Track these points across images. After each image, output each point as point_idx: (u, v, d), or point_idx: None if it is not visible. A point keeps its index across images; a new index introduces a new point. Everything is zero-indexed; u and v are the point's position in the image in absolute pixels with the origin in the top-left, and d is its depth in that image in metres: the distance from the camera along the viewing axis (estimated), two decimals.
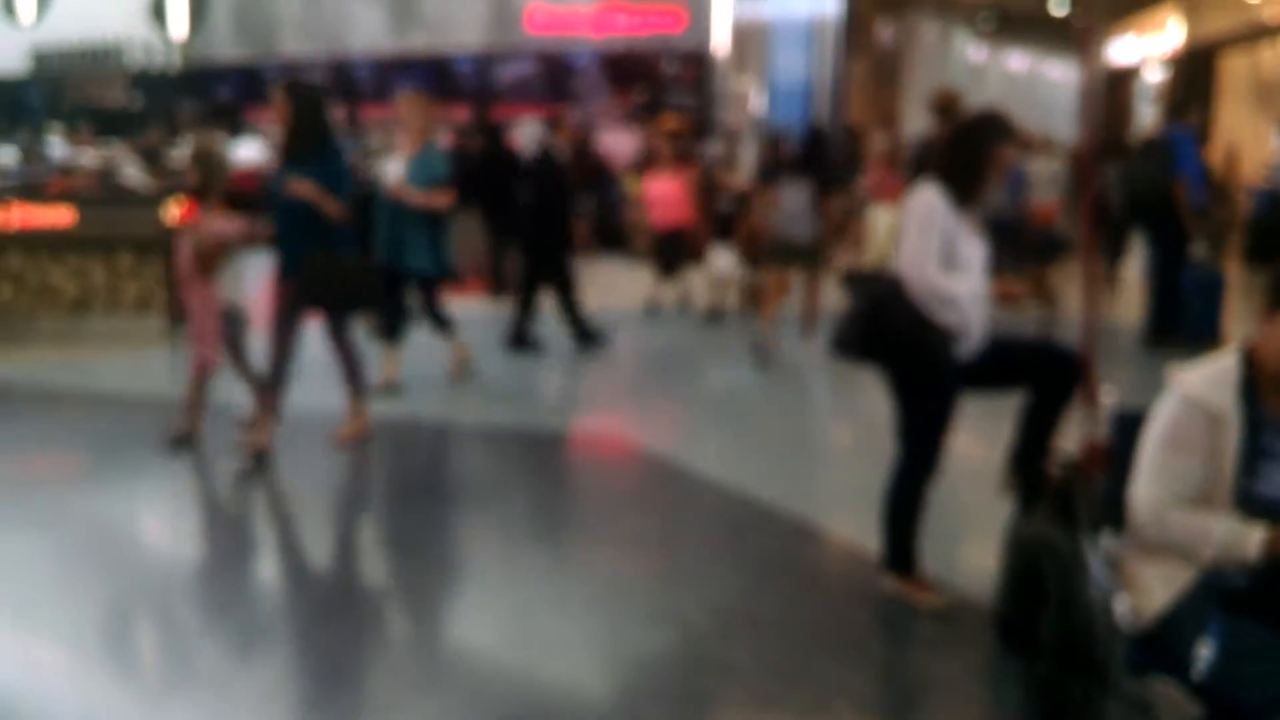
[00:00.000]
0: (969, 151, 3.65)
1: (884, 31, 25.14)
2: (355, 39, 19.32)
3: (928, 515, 3.86)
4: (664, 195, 9.49)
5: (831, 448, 6.20)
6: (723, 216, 9.26)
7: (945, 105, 7.53)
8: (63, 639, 3.64)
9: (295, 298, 5.28)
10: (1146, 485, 2.51)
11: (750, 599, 3.92)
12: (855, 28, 20.60)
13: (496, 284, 10.56)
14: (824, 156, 8.85)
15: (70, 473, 5.53)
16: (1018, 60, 30.11)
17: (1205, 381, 2.49)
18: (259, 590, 4.14)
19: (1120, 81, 21.07)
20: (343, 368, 5.56)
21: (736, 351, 8.08)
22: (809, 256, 7.87)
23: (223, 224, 5.44)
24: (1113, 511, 2.68)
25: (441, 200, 6.58)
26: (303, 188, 5.08)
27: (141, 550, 4.53)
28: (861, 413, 6.11)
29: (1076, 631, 2.52)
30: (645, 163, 11.38)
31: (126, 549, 4.50)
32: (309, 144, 5.23)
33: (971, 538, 4.40)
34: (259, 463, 5.18)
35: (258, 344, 5.56)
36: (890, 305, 3.59)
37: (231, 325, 5.52)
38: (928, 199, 3.65)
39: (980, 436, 4.62)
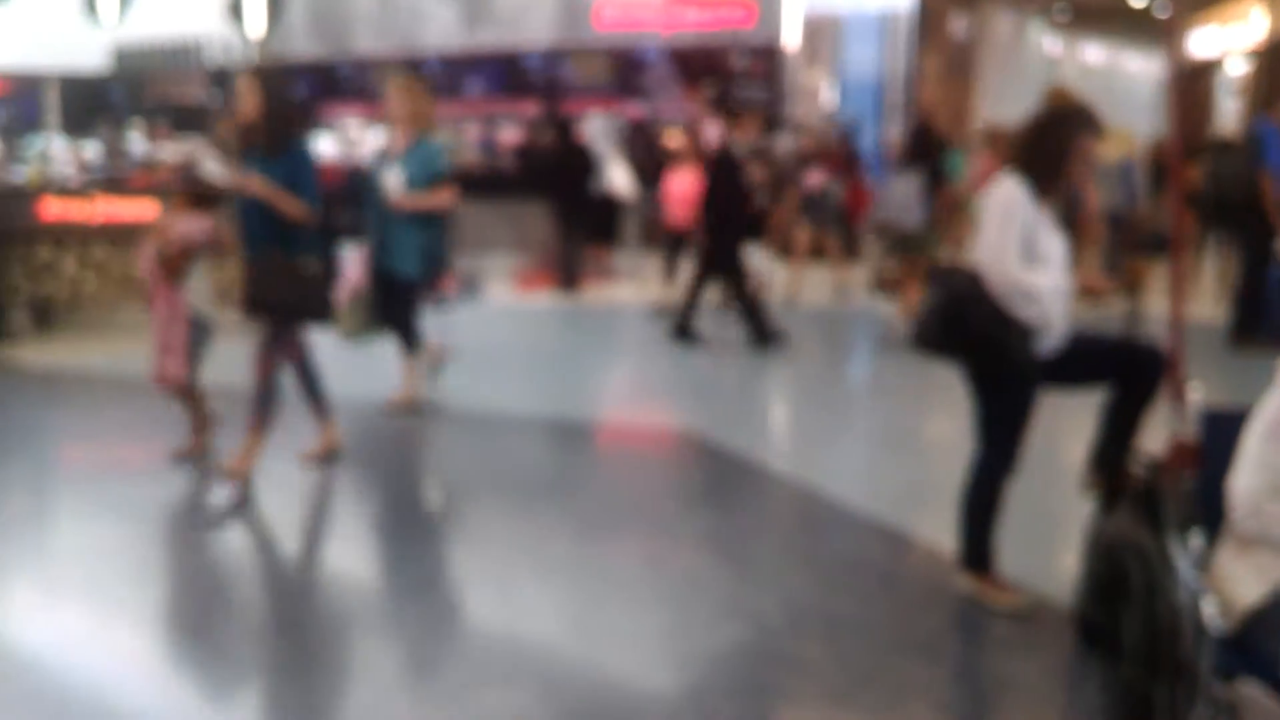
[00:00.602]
0: (1051, 143, 3.58)
1: (957, 24, 24.78)
2: (428, 36, 19.53)
3: (1007, 514, 3.81)
4: (682, 193, 9.31)
5: (919, 443, 6.12)
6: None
7: (1061, 100, 7.59)
8: (140, 620, 3.74)
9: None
10: (1247, 477, 2.48)
11: (825, 596, 3.90)
12: (927, 21, 20.33)
13: (566, 278, 10.64)
14: (931, 148, 8.97)
15: (146, 459, 5.68)
16: (1094, 52, 29.47)
17: None
18: (333, 577, 4.21)
19: (1201, 74, 20.52)
20: (255, 390, 4.87)
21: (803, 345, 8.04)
22: (919, 244, 8.18)
23: (188, 225, 5.10)
24: (1201, 511, 2.62)
25: (443, 200, 6.10)
26: (255, 184, 4.69)
27: (213, 535, 4.62)
28: (950, 407, 6.03)
29: (1161, 633, 2.46)
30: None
31: (200, 534, 4.60)
32: (275, 138, 4.81)
33: (1052, 537, 4.33)
34: (239, 492, 4.79)
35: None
36: (969, 300, 3.54)
37: (197, 336, 5.20)
38: (1008, 191, 3.59)
39: (1062, 433, 4.54)
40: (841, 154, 11.48)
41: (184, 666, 3.47)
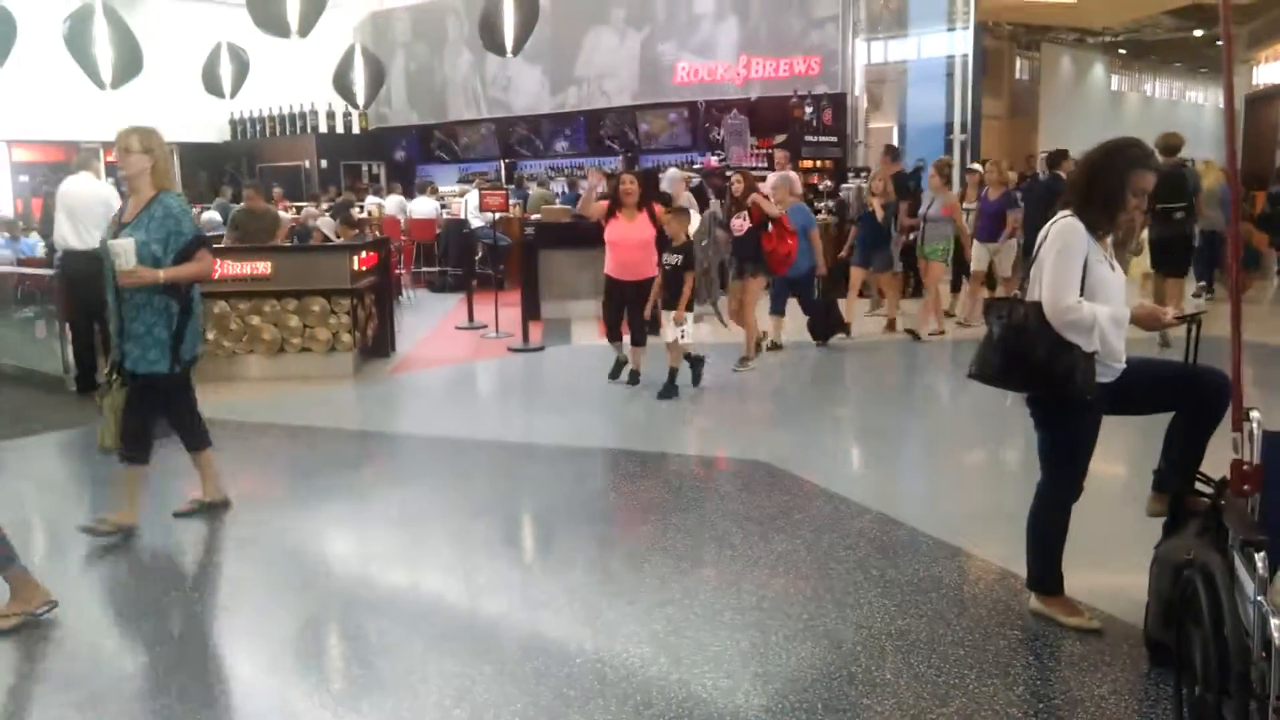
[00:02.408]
0: (1107, 179, 3.55)
1: (1019, 65, 24.52)
2: (517, 99, 19.98)
3: (1076, 536, 3.75)
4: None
5: (985, 467, 6.04)
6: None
7: (1173, 144, 8.92)
8: (261, 646, 3.86)
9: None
10: None
11: (899, 618, 3.86)
12: (988, 63, 20.17)
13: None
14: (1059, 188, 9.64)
15: (268, 494, 5.87)
16: (1157, 86, 28.85)
17: None
18: (440, 601, 4.29)
19: (1267, 104, 19.95)
20: None
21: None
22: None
23: None
24: (1265, 532, 2.56)
25: (193, 271, 4.83)
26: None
27: (327, 566, 4.75)
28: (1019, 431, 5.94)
29: (1229, 653, 2.41)
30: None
31: (313, 565, 4.74)
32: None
33: (1120, 559, 4.23)
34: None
35: None
36: (1030, 332, 3.51)
37: None
38: (1067, 226, 3.57)
39: (1127, 456, 4.44)
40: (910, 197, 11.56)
41: (298, 684, 3.58)
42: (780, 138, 15.72)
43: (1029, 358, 3.51)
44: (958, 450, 6.48)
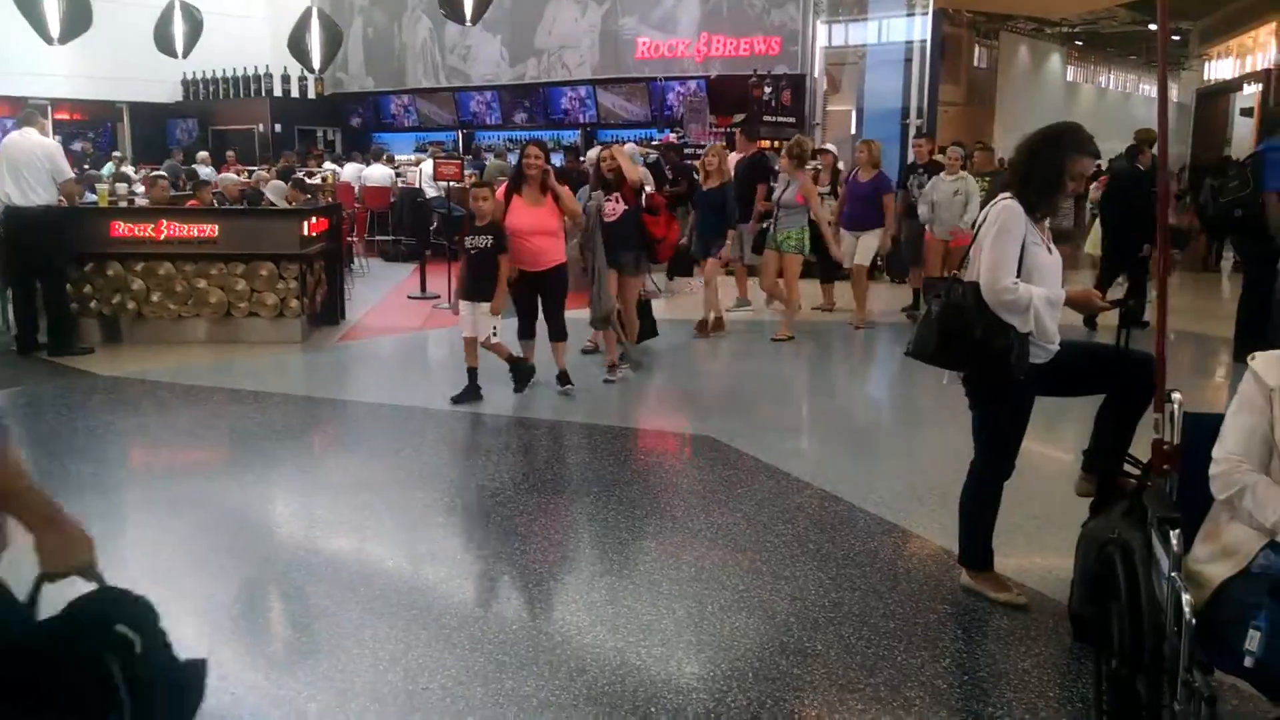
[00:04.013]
0: (1045, 163, 3.60)
1: (977, 53, 24.69)
2: (475, 69, 19.77)
3: (1007, 514, 3.82)
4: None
5: (928, 446, 6.12)
6: None
7: (1147, 138, 9.42)
8: (197, 608, 3.83)
9: None
10: (1220, 442, 2.60)
11: (832, 591, 3.92)
12: (947, 49, 20.29)
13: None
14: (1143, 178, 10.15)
15: (202, 459, 5.81)
16: (1112, 78, 29.20)
17: (1268, 360, 2.60)
18: (380, 566, 4.27)
19: (1216, 99, 20.29)
20: None
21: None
22: (1069, 236, 11.18)
23: None
24: (1183, 510, 2.63)
25: None
26: None
27: (268, 530, 4.71)
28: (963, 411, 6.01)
29: (1142, 627, 2.47)
30: None
31: (255, 529, 4.70)
32: None
33: (1049, 536, 4.33)
34: None
35: None
36: (966, 311, 3.56)
37: None
38: (1006, 208, 3.61)
39: (1059, 437, 4.53)
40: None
41: (231, 643, 3.56)
42: (739, 116, 15.71)
43: (965, 337, 3.56)
44: (900, 429, 6.56)
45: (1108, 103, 28.92)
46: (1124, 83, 29.17)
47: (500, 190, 6.89)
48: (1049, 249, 3.69)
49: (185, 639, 3.57)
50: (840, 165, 12.26)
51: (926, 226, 9.50)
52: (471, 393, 6.76)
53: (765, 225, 9.37)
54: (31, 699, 1.65)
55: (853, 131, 18.43)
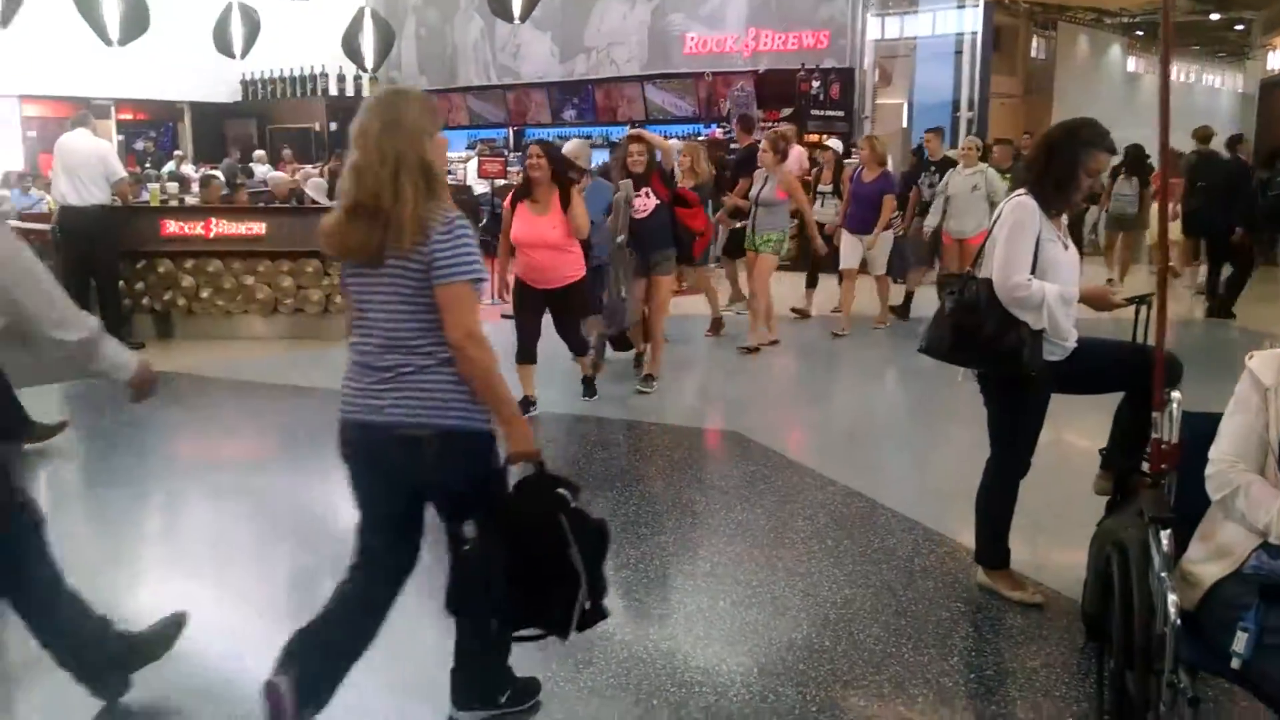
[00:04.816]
0: (1061, 158, 3.56)
1: (1035, 43, 24.27)
2: (526, 66, 19.91)
3: (1027, 513, 3.80)
4: None
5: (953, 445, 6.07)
6: None
7: (1205, 134, 9.84)
8: (245, 593, 3.95)
9: None
10: (1216, 443, 2.59)
11: (845, 587, 3.92)
12: (1004, 40, 19.99)
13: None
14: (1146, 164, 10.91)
15: (253, 452, 5.96)
16: (1173, 68, 28.49)
17: (1265, 358, 2.56)
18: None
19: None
20: None
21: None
22: (1134, 224, 11.20)
23: None
24: (1180, 508, 2.61)
25: None
26: None
27: (311, 520, 4.83)
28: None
29: (1133, 625, 2.45)
30: None
31: (299, 519, 4.82)
32: None
33: (1068, 534, 4.28)
34: None
35: None
36: (979, 308, 3.54)
37: None
38: (1020, 204, 3.59)
39: (1079, 434, 4.47)
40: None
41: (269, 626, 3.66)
42: (786, 111, 15.65)
43: (977, 333, 3.54)
44: (924, 426, 6.50)
45: (1170, 91, 28.17)
46: (1186, 73, 28.45)
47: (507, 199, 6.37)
48: (1065, 245, 3.66)
49: (233, 621, 3.70)
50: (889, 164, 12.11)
51: (941, 224, 8.96)
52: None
53: (740, 225, 8.69)
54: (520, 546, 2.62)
55: (904, 125, 18.25)
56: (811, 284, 9.85)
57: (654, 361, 7.12)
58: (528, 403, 6.13)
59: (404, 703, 3.18)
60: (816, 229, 8.65)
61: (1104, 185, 10.70)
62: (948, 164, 9.43)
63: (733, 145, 15.12)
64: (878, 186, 8.82)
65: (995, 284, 3.52)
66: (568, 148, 7.14)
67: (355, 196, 2.54)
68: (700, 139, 15.74)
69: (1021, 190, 3.63)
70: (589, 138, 18.13)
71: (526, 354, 6.27)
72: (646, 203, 6.78)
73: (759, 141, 9.08)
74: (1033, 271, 3.51)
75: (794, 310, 9.73)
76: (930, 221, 9.12)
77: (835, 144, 10.77)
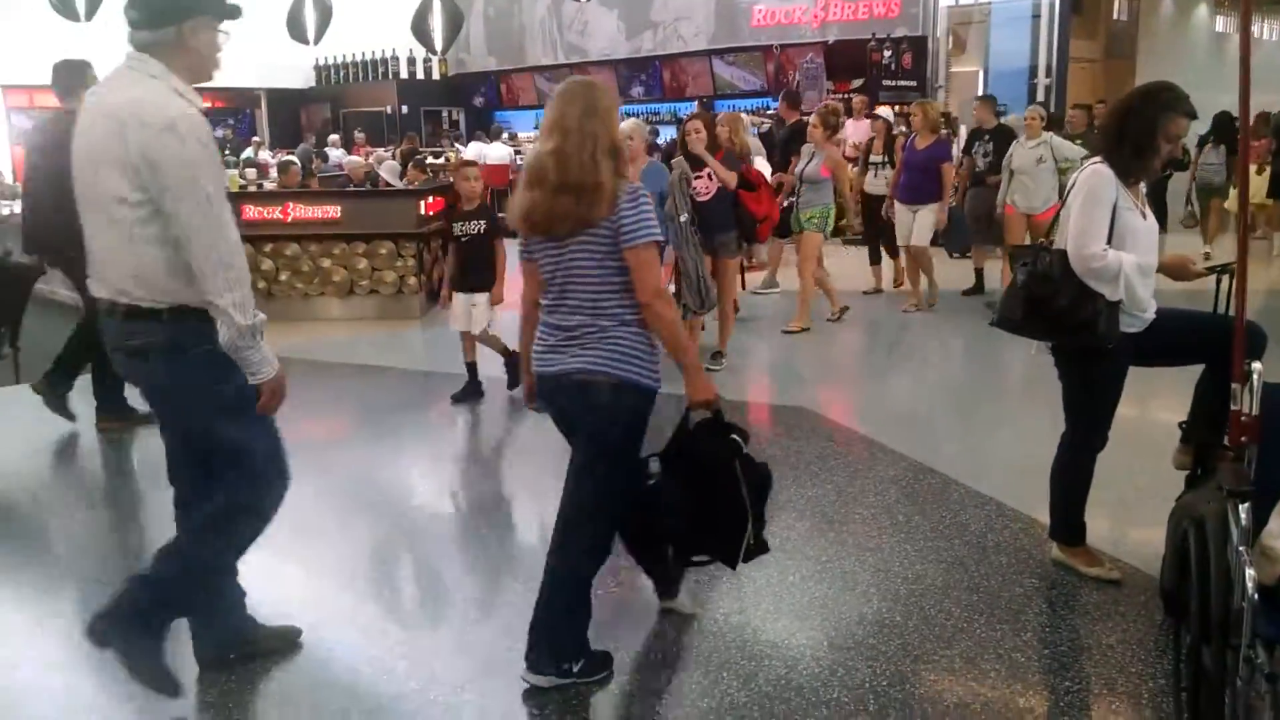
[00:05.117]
0: (1139, 124, 3.47)
1: (1117, 5, 23.52)
2: (593, 44, 19.92)
3: (1108, 488, 3.74)
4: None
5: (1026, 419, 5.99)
6: None
7: None
8: (323, 566, 4.08)
9: None
10: None
11: (917, 563, 3.91)
12: (1084, 2, 19.42)
13: None
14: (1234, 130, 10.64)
15: (332, 431, 6.12)
16: (1265, 27, 27.39)
17: None
18: (477, 532, 4.46)
19: None
20: None
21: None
22: (1221, 192, 11.04)
23: None
24: (1260, 482, 2.55)
25: None
26: None
27: (386, 496, 4.95)
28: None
29: (1210, 599, 2.41)
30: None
31: (374, 495, 4.95)
32: None
33: (1146, 510, 4.20)
34: None
35: None
36: (1053, 280, 3.48)
37: None
38: (1095, 172, 3.51)
39: (1158, 407, 4.38)
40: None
41: (360, 601, 3.78)
42: (857, 82, 15.43)
43: (1051, 305, 3.49)
44: (996, 402, 6.40)
45: (1261, 53, 27.15)
46: (1278, 32, 27.34)
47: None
48: (1143, 213, 3.58)
49: (310, 593, 3.83)
50: (957, 130, 11.84)
51: (1006, 199, 8.43)
52: (472, 390, 6.39)
53: (787, 204, 8.27)
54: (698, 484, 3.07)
55: (979, 93, 17.86)
56: (875, 260, 9.66)
57: (723, 339, 7.12)
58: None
59: (480, 664, 3.25)
60: (854, 205, 8.79)
61: (1186, 151, 10.30)
62: (1003, 133, 8.99)
63: (803, 119, 15.02)
64: (930, 153, 8.53)
65: (1070, 254, 3.46)
66: (621, 127, 6.96)
67: (559, 177, 2.86)
68: (769, 112, 15.62)
69: (1097, 158, 3.56)
70: (654, 115, 18.15)
71: None
72: (709, 185, 6.66)
73: (807, 117, 8.82)
74: (1109, 241, 3.44)
75: (865, 293, 9.45)
76: (1001, 196, 8.68)
77: (886, 112, 10.34)
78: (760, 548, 3.13)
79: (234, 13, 2.99)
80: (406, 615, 3.75)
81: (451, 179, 11.98)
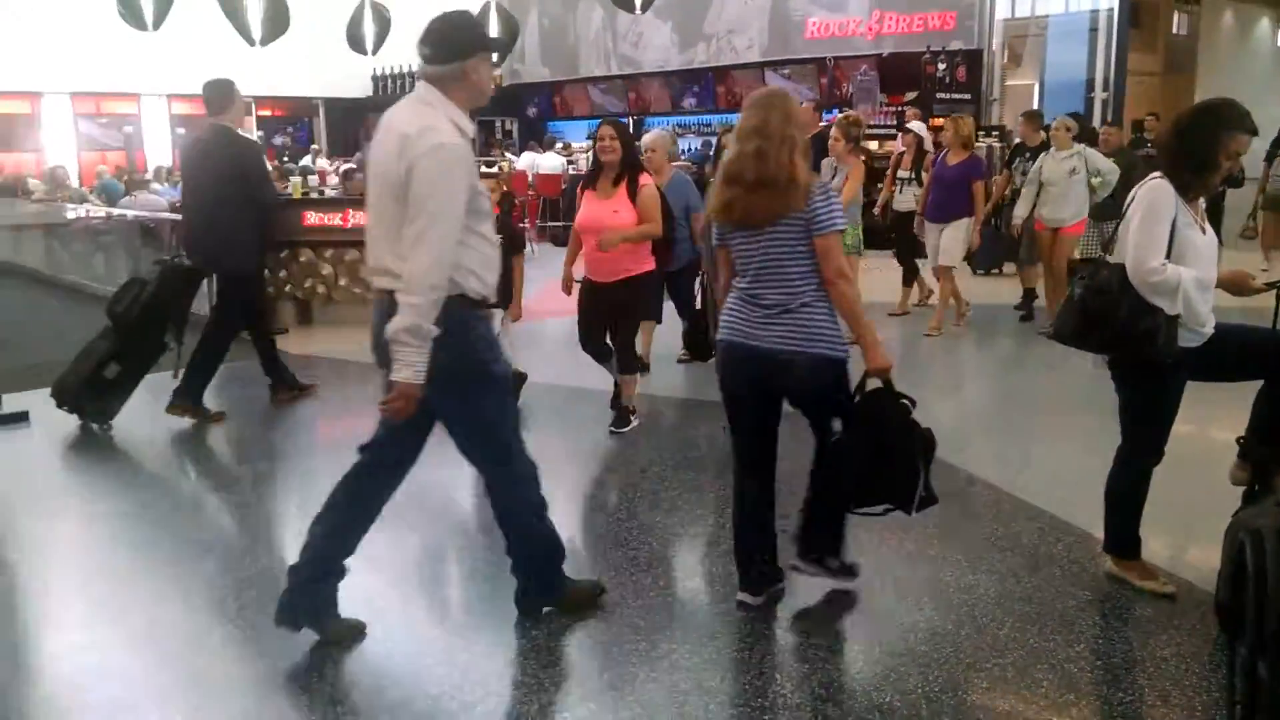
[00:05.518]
0: (1198, 140, 3.49)
1: (1176, 19, 23.23)
2: (646, 55, 20.07)
3: (1163, 501, 3.74)
4: None
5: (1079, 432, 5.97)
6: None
7: None
8: (377, 562, 4.19)
9: None
10: None
11: (969, 573, 3.93)
12: (1143, 16, 19.21)
13: None
14: None
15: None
16: None
17: None
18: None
19: None
20: None
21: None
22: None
23: None
24: None
25: None
26: None
27: (437, 495, 5.06)
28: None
29: (1266, 612, 2.43)
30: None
31: (425, 494, 5.05)
32: None
33: (1203, 525, 4.18)
34: None
35: None
36: (1111, 294, 3.50)
37: None
38: (1155, 187, 3.53)
39: (1216, 422, 4.36)
40: None
41: (400, 599, 3.89)
42: (911, 95, 15.39)
43: (1109, 319, 3.50)
44: (1049, 415, 6.37)
45: None
46: None
47: (579, 187, 6.05)
48: (1202, 229, 3.58)
49: (367, 588, 3.94)
50: (1011, 143, 11.73)
51: (1035, 213, 8.25)
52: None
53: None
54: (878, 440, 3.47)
55: (1034, 106, 17.73)
56: (908, 282, 9.35)
57: None
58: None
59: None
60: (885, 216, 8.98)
61: (1242, 169, 10.09)
62: (1044, 149, 8.68)
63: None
64: (962, 170, 8.20)
65: (1129, 269, 3.48)
66: (647, 138, 6.80)
67: (758, 174, 3.31)
68: (822, 124, 15.62)
69: (1157, 174, 3.57)
70: (706, 127, 18.21)
71: (598, 352, 6.06)
72: None
73: (828, 129, 8.34)
74: (1168, 256, 3.46)
75: (891, 315, 9.04)
76: (1019, 211, 8.47)
77: (918, 126, 9.99)
78: (930, 499, 3.49)
79: (504, 48, 3.32)
80: (453, 613, 3.84)
81: (504, 188, 12.12)
